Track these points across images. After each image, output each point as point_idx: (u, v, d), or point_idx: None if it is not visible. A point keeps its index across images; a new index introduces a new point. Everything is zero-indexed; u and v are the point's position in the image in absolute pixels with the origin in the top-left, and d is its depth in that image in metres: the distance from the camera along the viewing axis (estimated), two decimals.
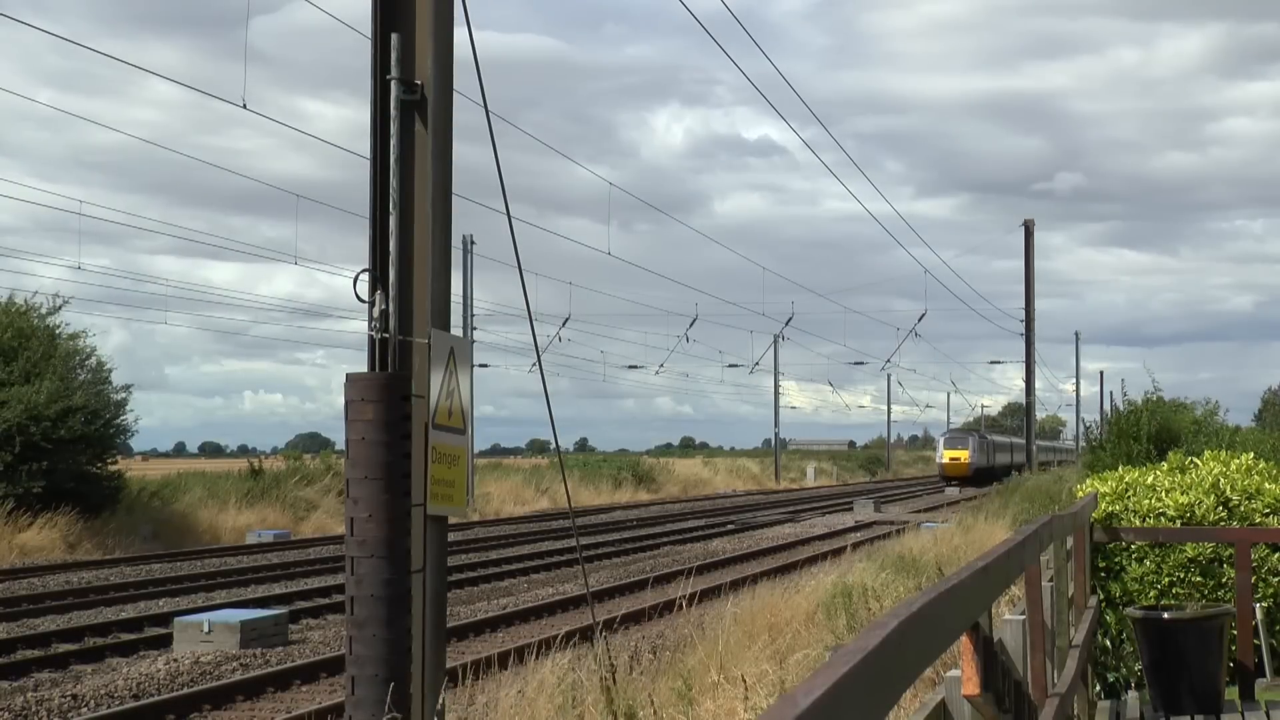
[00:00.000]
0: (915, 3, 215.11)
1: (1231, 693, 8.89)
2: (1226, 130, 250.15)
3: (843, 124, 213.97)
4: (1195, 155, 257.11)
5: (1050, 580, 6.53)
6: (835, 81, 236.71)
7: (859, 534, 37.78)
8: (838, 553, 30.28)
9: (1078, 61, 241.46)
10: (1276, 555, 9.68)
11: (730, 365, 75.57)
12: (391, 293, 7.18)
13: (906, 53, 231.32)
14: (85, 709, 13.87)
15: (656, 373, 62.72)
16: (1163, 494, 9.92)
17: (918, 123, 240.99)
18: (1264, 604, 9.40)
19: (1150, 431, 26.15)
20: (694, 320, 59.10)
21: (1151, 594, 9.62)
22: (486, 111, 8.25)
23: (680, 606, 19.29)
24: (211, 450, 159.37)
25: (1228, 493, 9.85)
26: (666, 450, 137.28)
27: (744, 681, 9.73)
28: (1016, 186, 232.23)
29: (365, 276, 7.36)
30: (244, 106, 18.29)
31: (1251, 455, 10.73)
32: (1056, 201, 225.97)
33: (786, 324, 64.73)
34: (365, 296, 7.32)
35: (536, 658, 15.12)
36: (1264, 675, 9.20)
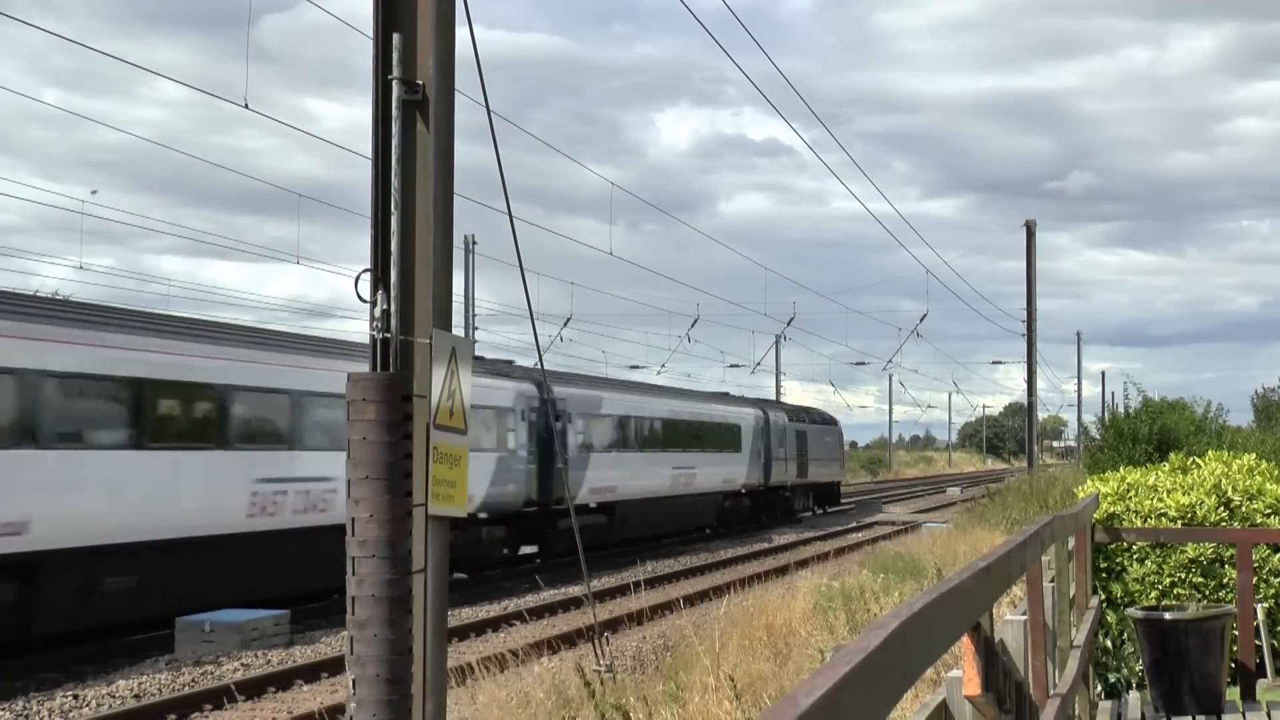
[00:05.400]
0: (925, 1, 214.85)
1: (1233, 693, 8.89)
2: (1236, 130, 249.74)
3: (851, 124, 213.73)
4: (1203, 155, 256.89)
5: (1052, 580, 6.53)
6: (844, 81, 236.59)
7: (860, 534, 37.79)
8: (839, 553, 30.33)
9: (1089, 61, 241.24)
10: (1278, 556, 9.68)
11: (732, 365, 75.42)
12: (393, 292, 7.18)
13: (916, 52, 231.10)
14: (87, 709, 13.88)
15: (658, 373, 62.64)
16: (1164, 494, 9.92)
17: (926, 122, 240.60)
18: (1265, 604, 9.40)
19: (1147, 433, 26.21)
20: (695, 320, 59.01)
21: (1153, 594, 9.63)
22: (488, 111, 8.25)
23: (681, 606, 19.33)
24: None
25: (1229, 493, 9.85)
26: None
27: (733, 681, 9.74)
28: (1023, 186, 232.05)
29: (367, 276, 7.37)
30: (246, 106, 18.28)
31: (1253, 456, 10.73)
32: (1062, 202, 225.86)
33: (788, 324, 64.61)
34: (367, 296, 7.32)
35: (537, 658, 15.14)
36: (1265, 676, 9.20)
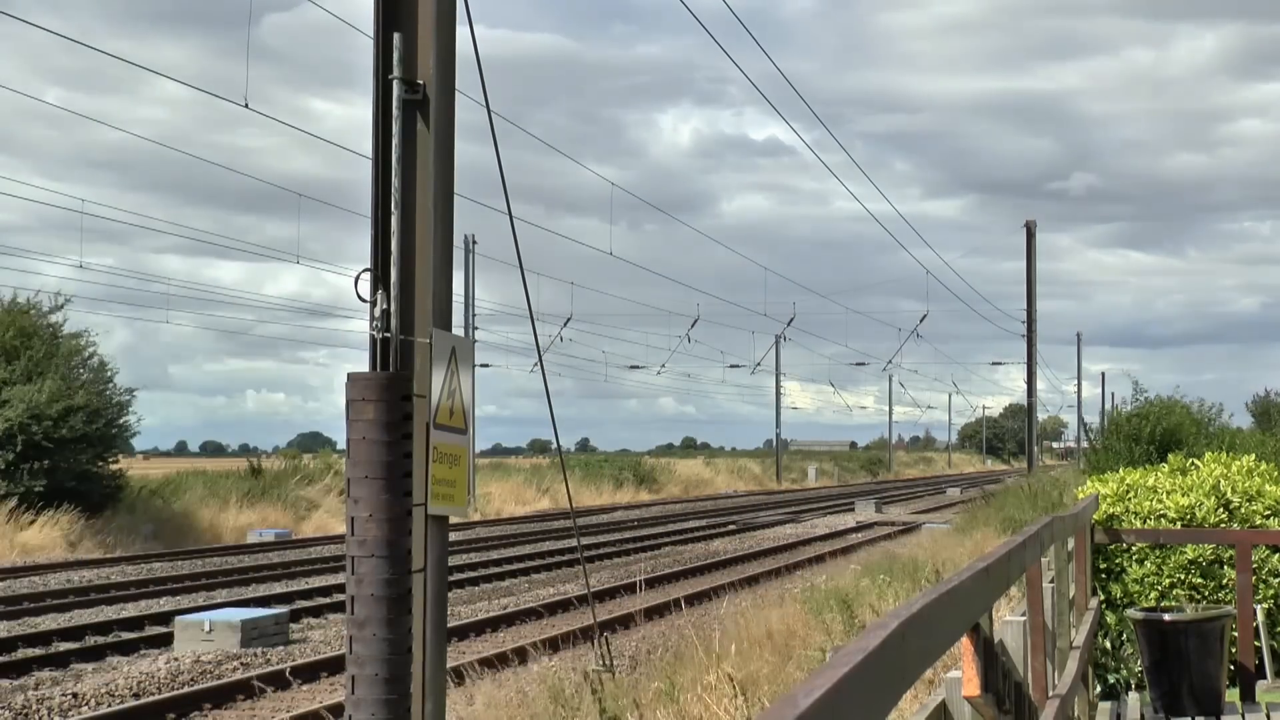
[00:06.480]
0: (928, 2, 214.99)
1: (1232, 694, 8.89)
2: (1238, 131, 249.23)
3: (852, 124, 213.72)
4: (1205, 156, 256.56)
5: (1051, 581, 6.53)
6: (846, 81, 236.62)
7: (860, 535, 37.81)
8: (839, 553, 30.35)
9: (1091, 62, 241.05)
10: (1277, 557, 9.68)
11: (732, 365, 75.59)
12: (393, 292, 7.18)
13: (918, 52, 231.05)
14: (86, 707, 13.87)
15: (658, 373, 62.85)
16: (1163, 496, 9.92)
17: (927, 123, 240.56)
18: (1264, 606, 9.41)
19: (1154, 434, 26.17)
20: (696, 320, 59.07)
21: (1152, 595, 9.63)
22: (489, 111, 8.25)
23: (681, 607, 19.33)
24: (212, 449, 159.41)
25: (1228, 495, 9.85)
26: (667, 450, 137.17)
27: (733, 680, 9.74)
28: (1025, 187, 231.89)
29: (367, 276, 7.37)
30: (246, 106, 18.29)
31: (1253, 457, 10.74)
32: (1064, 203, 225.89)
33: (788, 324, 64.69)
34: (367, 296, 7.32)
35: (537, 658, 15.15)
36: (1264, 677, 9.20)
